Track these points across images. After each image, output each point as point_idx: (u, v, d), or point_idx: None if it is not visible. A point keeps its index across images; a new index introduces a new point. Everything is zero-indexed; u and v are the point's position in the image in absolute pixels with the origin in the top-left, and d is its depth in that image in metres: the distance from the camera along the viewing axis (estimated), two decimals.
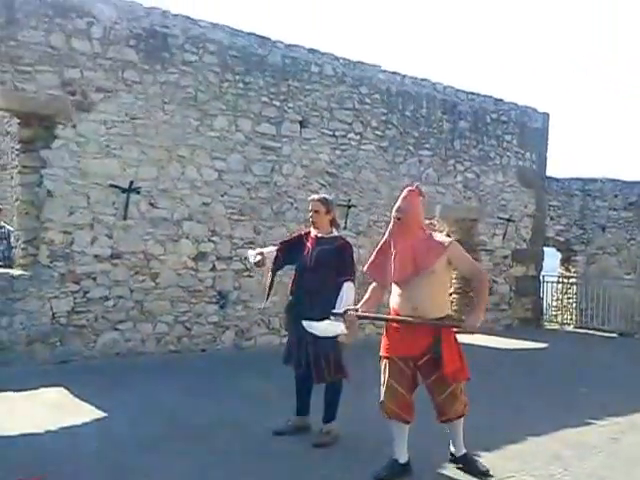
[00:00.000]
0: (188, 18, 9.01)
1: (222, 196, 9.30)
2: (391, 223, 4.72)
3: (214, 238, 9.24)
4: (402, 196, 4.70)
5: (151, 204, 8.65)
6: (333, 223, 5.60)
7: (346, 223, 10.53)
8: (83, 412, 5.96)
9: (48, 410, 5.99)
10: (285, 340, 5.94)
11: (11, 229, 8.97)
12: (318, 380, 5.39)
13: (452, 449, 4.86)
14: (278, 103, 9.85)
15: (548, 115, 14.32)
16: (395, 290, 4.70)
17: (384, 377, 4.62)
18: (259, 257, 5.59)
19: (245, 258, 5.72)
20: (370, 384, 5.33)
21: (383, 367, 4.65)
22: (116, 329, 8.37)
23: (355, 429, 5.57)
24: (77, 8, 8.02)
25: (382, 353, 4.68)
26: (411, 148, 11.74)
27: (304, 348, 5.36)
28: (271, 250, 5.70)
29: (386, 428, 4.74)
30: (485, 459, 4.95)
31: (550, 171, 14.91)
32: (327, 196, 5.89)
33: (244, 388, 7.02)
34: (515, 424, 6.12)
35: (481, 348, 10.00)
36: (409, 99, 11.66)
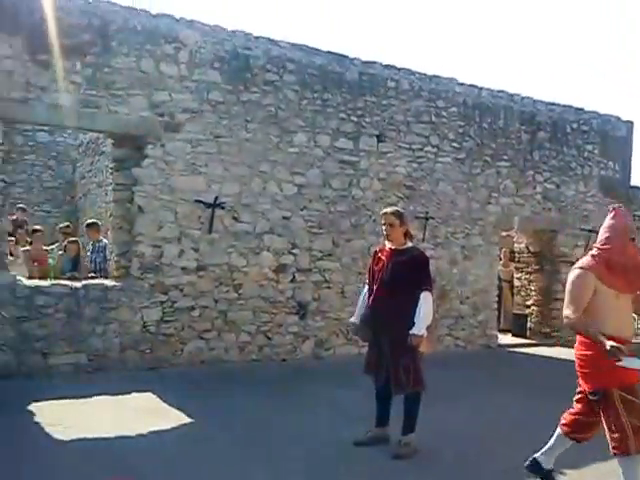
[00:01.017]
0: (269, 39, 9.37)
1: (302, 210, 9.59)
2: (617, 244, 4.34)
3: (294, 250, 9.52)
4: (619, 216, 4.43)
5: (234, 218, 9.02)
6: (407, 235, 5.66)
7: (424, 235, 10.63)
8: (171, 417, 6.25)
9: (138, 414, 6.31)
10: (364, 350, 6.05)
11: (107, 243, 9.53)
12: (397, 391, 5.45)
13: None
14: (355, 118, 10.07)
15: (632, 123, 13.95)
16: (609, 311, 4.25)
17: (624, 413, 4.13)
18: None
19: (352, 324, 5.90)
20: (447, 396, 5.38)
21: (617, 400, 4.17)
22: (201, 338, 8.75)
23: (434, 442, 5.63)
24: (165, 34, 8.50)
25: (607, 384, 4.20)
26: (488, 160, 11.71)
27: (383, 359, 5.46)
28: (365, 293, 5.78)
29: (465, 442, 4.75)
30: None
31: (635, 180, 14.51)
32: (399, 209, 5.98)
33: (324, 397, 7.17)
34: None
35: None
36: (486, 111, 11.66)
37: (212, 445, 5.45)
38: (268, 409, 6.63)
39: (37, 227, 9.88)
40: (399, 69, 10.64)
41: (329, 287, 9.78)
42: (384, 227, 5.68)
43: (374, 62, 10.38)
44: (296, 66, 9.53)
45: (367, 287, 5.77)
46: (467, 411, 6.91)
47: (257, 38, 9.28)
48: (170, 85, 8.52)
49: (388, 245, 5.67)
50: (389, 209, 5.85)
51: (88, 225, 9.84)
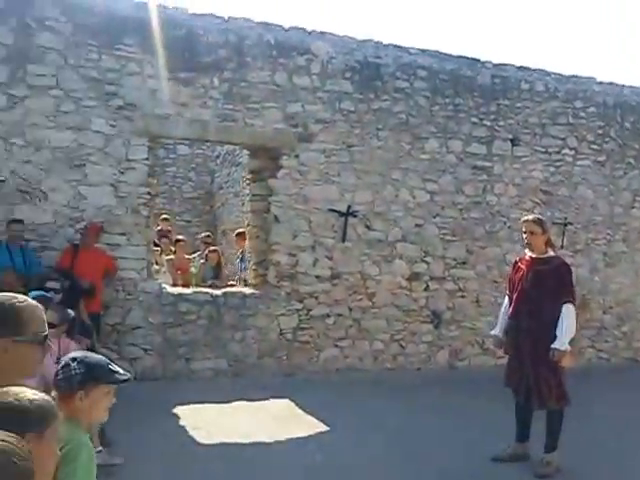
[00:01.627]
0: (399, 47, 9.35)
1: (434, 217, 9.46)
2: None
3: (427, 258, 9.41)
4: None
5: (367, 226, 9.05)
6: (548, 243, 5.47)
7: (563, 242, 10.14)
8: (307, 424, 6.34)
9: (276, 421, 6.46)
10: (501, 362, 5.88)
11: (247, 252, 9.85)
12: (539, 406, 5.26)
13: None
14: (488, 123, 9.81)
15: None
16: None
17: None
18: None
19: (493, 336, 5.76)
20: (590, 413, 5.11)
21: None
22: (336, 346, 8.84)
23: (577, 462, 5.35)
24: (298, 47, 8.69)
25: None
26: (632, 161, 11.00)
27: (525, 372, 5.28)
28: (506, 304, 5.64)
29: (611, 462, 4.49)
30: None
31: None
32: (540, 216, 5.78)
33: (460, 409, 7.01)
34: None
35: None
36: (628, 110, 10.96)
37: (349, 455, 5.47)
38: (403, 419, 6.59)
39: (180, 237, 10.40)
40: (533, 70, 10.25)
41: (464, 296, 9.58)
42: (524, 235, 5.50)
43: (507, 64, 10.07)
44: (427, 72, 9.42)
45: (507, 298, 5.60)
46: (613, 429, 6.50)
47: (387, 46, 9.28)
48: (303, 96, 8.70)
49: (528, 254, 5.49)
50: (530, 216, 5.67)
51: (238, 234, 10.21)
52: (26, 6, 7.38)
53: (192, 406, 6.82)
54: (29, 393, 1.91)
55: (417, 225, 9.36)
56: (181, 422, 6.35)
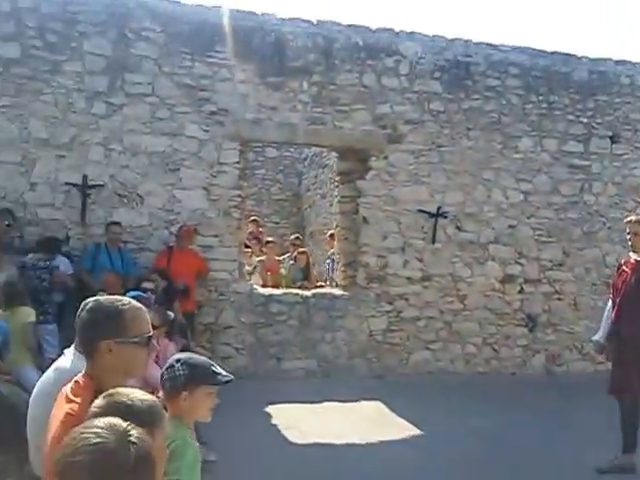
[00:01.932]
0: (489, 45, 9.13)
1: (528, 218, 9.16)
2: None
3: (521, 260, 9.13)
4: None
5: (458, 228, 8.88)
6: None
7: None
8: (399, 427, 6.28)
9: (368, 422, 6.43)
10: (600, 368, 5.63)
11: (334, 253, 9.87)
12: None
13: None
14: (585, 120, 9.41)
15: None
16: None
17: None
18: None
19: (595, 342, 5.55)
20: None
21: None
22: (427, 348, 8.71)
23: None
24: (386, 48, 8.63)
25: None
26: None
27: (630, 380, 5.03)
28: (609, 308, 5.43)
29: None
30: None
31: None
32: None
33: (559, 416, 6.75)
34: None
35: None
36: None
37: (443, 460, 5.38)
38: (499, 425, 6.40)
39: (270, 239, 10.53)
40: (634, 64, 9.77)
41: (560, 299, 9.22)
42: (628, 236, 5.25)
43: (605, 59, 9.64)
44: (519, 69, 9.15)
45: (611, 302, 5.35)
46: None
47: (477, 44, 9.08)
48: (392, 97, 8.63)
49: (633, 256, 5.22)
50: (634, 217, 5.40)
51: (330, 235, 10.25)
52: (124, 18, 7.67)
53: (284, 405, 6.89)
54: (139, 394, 1.96)
55: (510, 226, 9.09)
56: (273, 421, 6.43)
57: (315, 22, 8.48)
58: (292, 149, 15.15)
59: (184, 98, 7.88)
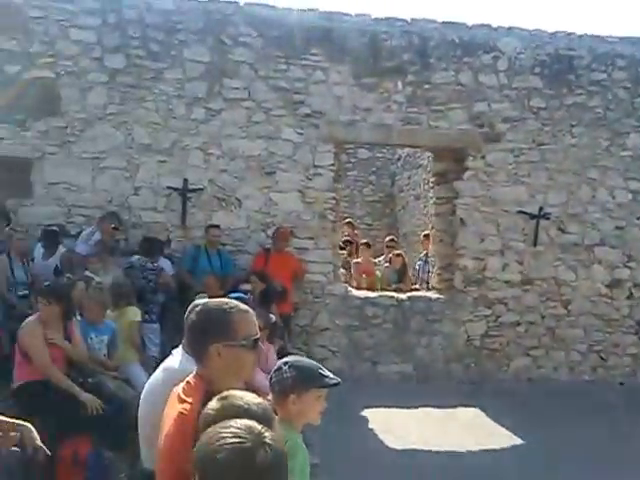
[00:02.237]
0: (595, 36, 8.73)
1: (638, 219, 8.69)
2: None
3: (630, 264, 8.66)
4: None
5: (560, 229, 8.52)
6: None
7: None
8: (499, 435, 6.10)
9: (466, 429, 6.28)
10: None
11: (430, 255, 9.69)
12: None
13: None
14: None
15: None
16: None
17: None
18: None
19: None
20: None
21: None
22: (528, 355, 8.41)
23: None
24: (483, 45, 8.40)
25: None
26: None
27: None
28: None
29: None
30: None
31: None
32: None
33: None
34: None
35: None
36: None
37: (543, 470, 5.16)
38: (609, 438, 6.08)
39: (365, 241, 10.46)
40: None
41: None
42: None
43: None
44: (626, 61, 8.70)
45: None
46: None
47: (580, 37, 8.70)
48: (489, 95, 8.40)
49: None
50: None
51: (425, 235, 10.08)
52: (222, 25, 7.82)
53: (380, 410, 6.82)
54: (252, 397, 1.97)
55: (618, 227, 8.65)
56: (370, 425, 6.39)
57: (409, 21, 8.37)
58: (384, 150, 15.04)
59: (279, 101, 7.96)
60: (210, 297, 6.62)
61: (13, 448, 3.49)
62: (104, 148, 7.60)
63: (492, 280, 8.34)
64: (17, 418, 3.64)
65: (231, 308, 2.33)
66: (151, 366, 5.78)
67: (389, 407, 6.91)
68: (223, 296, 6.44)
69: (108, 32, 7.54)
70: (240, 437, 1.46)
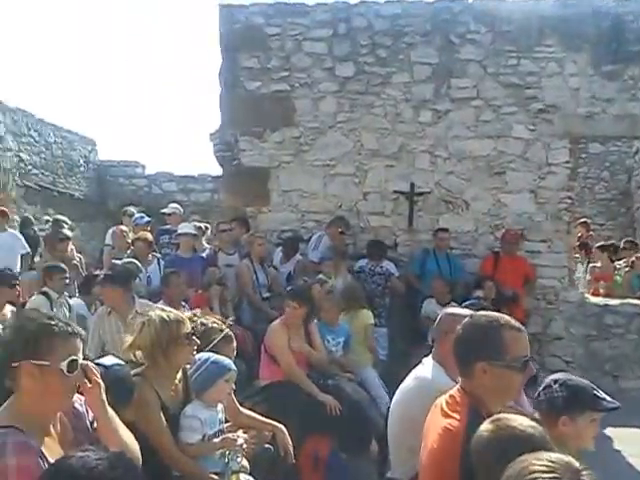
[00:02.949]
0: None
1: None
2: None
3: None
4: None
5: None
6: None
7: None
8: None
9: None
10: None
11: None
12: None
13: None
14: None
15: None
16: None
17: None
18: None
19: None
20: None
21: None
22: None
23: None
24: None
25: None
26: None
27: None
28: None
29: None
30: None
31: None
32: None
33: None
34: None
35: None
36: None
37: None
38: None
39: (604, 243, 9.63)
40: None
41: None
42: None
43: None
44: None
45: None
46: None
47: None
48: None
49: None
50: None
51: None
52: (449, 24, 7.69)
53: (626, 430, 6.22)
54: (524, 419, 1.86)
55: None
56: (616, 445, 5.85)
57: None
58: (619, 143, 13.84)
59: (509, 98, 7.64)
60: (438, 302, 6.57)
61: (266, 445, 3.69)
62: (334, 155, 7.84)
63: None
64: (264, 416, 3.85)
65: (502, 325, 2.21)
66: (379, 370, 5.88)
67: (636, 427, 6.28)
68: (451, 301, 6.36)
69: (338, 42, 7.76)
70: (555, 474, 1.36)
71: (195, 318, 3.66)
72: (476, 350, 2.20)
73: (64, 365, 2.02)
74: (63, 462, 1.63)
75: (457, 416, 2.17)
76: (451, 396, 2.29)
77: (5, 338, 2.17)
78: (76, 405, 2.24)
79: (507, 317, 2.26)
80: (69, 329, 2.09)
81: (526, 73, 7.60)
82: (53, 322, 2.08)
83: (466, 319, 2.33)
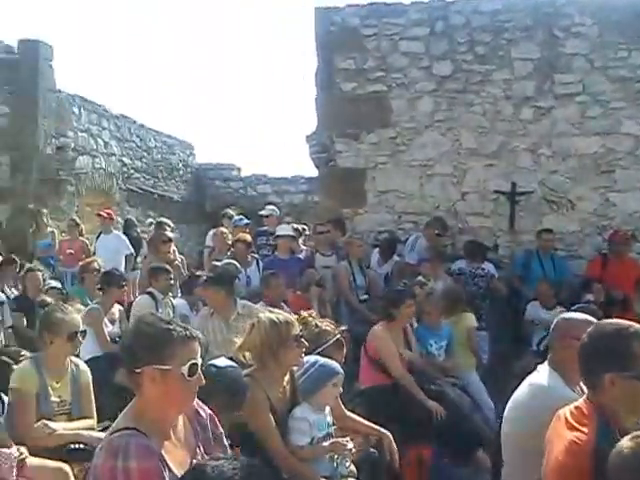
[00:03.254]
0: None
1: None
2: None
3: None
4: None
5: None
6: None
7: None
8: None
9: None
10: None
11: None
12: None
13: None
14: None
15: None
16: None
17: None
18: None
19: None
20: None
21: None
22: None
23: None
24: None
25: None
26: None
27: None
28: None
29: None
30: None
31: None
32: None
33: None
34: None
35: None
36: None
37: None
38: None
39: None
40: None
41: None
42: None
43: None
44: None
45: None
46: None
47: None
48: None
49: None
50: None
51: None
52: (552, 18, 7.41)
53: None
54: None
55: None
56: None
57: None
58: None
59: (618, 92, 7.27)
60: (543, 305, 6.32)
61: (371, 450, 3.66)
62: (432, 155, 7.70)
63: None
64: (365, 419, 3.81)
65: (631, 333, 2.08)
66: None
67: None
68: (556, 304, 6.10)
69: (435, 40, 7.63)
70: None
71: (310, 319, 3.68)
72: (604, 361, 2.08)
73: (185, 369, 2.04)
74: (198, 471, 1.64)
75: (585, 429, 2.06)
76: (577, 407, 2.18)
77: (126, 343, 2.22)
78: (201, 413, 2.27)
79: (636, 325, 2.13)
80: (187, 333, 2.11)
81: (637, 66, 7.22)
82: (171, 327, 2.10)
83: (591, 327, 2.21)
